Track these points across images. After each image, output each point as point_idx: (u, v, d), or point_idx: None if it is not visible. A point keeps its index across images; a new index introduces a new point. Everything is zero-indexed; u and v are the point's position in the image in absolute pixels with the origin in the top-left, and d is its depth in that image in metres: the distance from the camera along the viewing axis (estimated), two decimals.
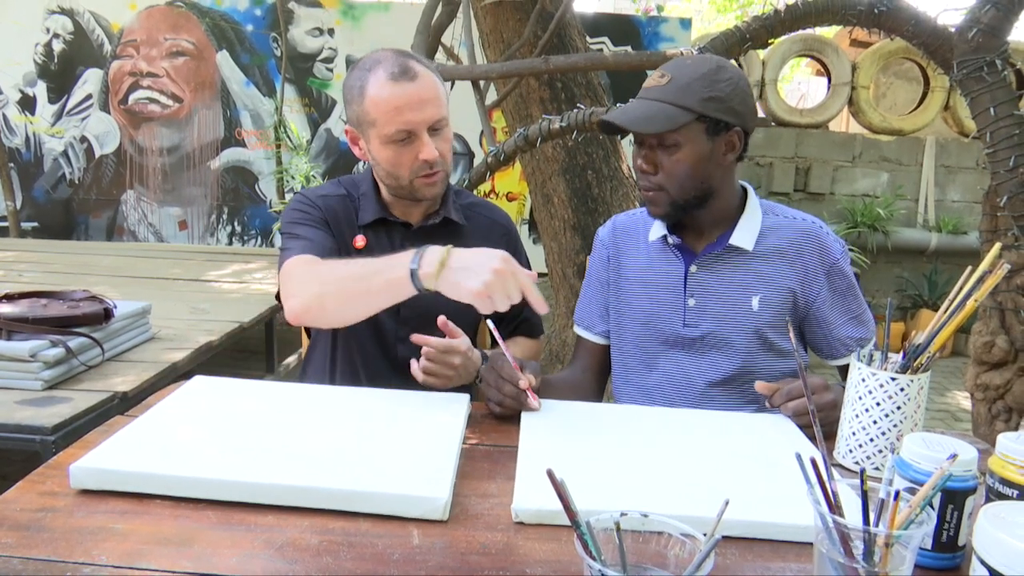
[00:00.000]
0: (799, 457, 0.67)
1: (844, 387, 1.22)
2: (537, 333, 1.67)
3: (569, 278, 3.72)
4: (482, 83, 3.03)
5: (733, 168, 1.37)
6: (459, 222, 1.50)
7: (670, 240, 1.41)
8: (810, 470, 0.65)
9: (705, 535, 0.59)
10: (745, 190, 1.43)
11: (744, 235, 1.38)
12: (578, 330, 1.58)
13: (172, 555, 0.75)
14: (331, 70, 5.48)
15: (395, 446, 0.98)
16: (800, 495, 0.90)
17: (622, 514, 0.60)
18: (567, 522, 0.84)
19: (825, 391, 1.18)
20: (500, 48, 3.45)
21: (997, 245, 1.02)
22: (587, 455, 1.03)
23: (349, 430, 1.03)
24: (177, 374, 2.43)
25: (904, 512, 0.64)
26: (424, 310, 1.43)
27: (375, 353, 1.47)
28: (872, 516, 0.64)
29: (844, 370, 1.45)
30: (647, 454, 1.04)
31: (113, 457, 0.90)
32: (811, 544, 0.83)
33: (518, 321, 1.63)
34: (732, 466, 1.01)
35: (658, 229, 1.44)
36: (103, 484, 0.86)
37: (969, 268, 1.03)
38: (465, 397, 1.19)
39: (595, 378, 1.56)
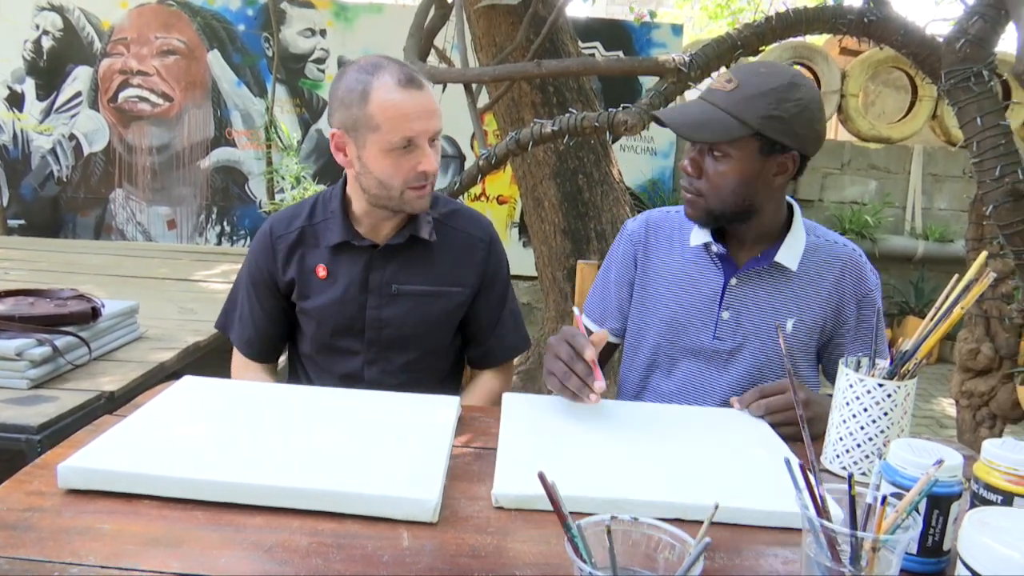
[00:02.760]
0: (787, 462, 0.68)
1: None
2: (506, 359, 1.59)
3: (559, 282, 3.72)
4: (474, 86, 3.03)
5: (783, 189, 1.32)
6: (427, 239, 1.43)
7: (714, 248, 1.36)
8: (798, 474, 0.66)
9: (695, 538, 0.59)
10: (791, 207, 1.39)
11: (790, 254, 1.34)
12: (585, 320, 1.52)
13: (160, 556, 0.75)
14: (323, 71, 5.46)
15: (385, 448, 0.98)
16: (776, 484, 0.94)
17: (612, 517, 0.60)
18: (546, 507, 0.86)
19: (799, 389, 1.19)
20: (492, 52, 3.45)
21: (983, 254, 1.03)
22: (566, 444, 1.05)
23: (339, 431, 1.03)
24: (165, 374, 2.41)
25: (891, 517, 0.64)
26: (388, 332, 1.44)
27: (348, 379, 1.46)
28: (860, 520, 0.65)
29: None
30: (624, 443, 1.07)
31: (101, 457, 0.89)
32: (789, 530, 0.85)
33: (484, 350, 1.56)
34: (707, 456, 1.05)
35: (700, 235, 1.38)
36: (91, 484, 0.86)
37: (956, 276, 1.04)
38: (454, 399, 1.19)
39: None
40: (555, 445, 1.05)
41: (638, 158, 5.64)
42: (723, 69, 1.28)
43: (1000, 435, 3.05)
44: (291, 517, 0.84)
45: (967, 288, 0.99)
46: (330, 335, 1.45)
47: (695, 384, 1.40)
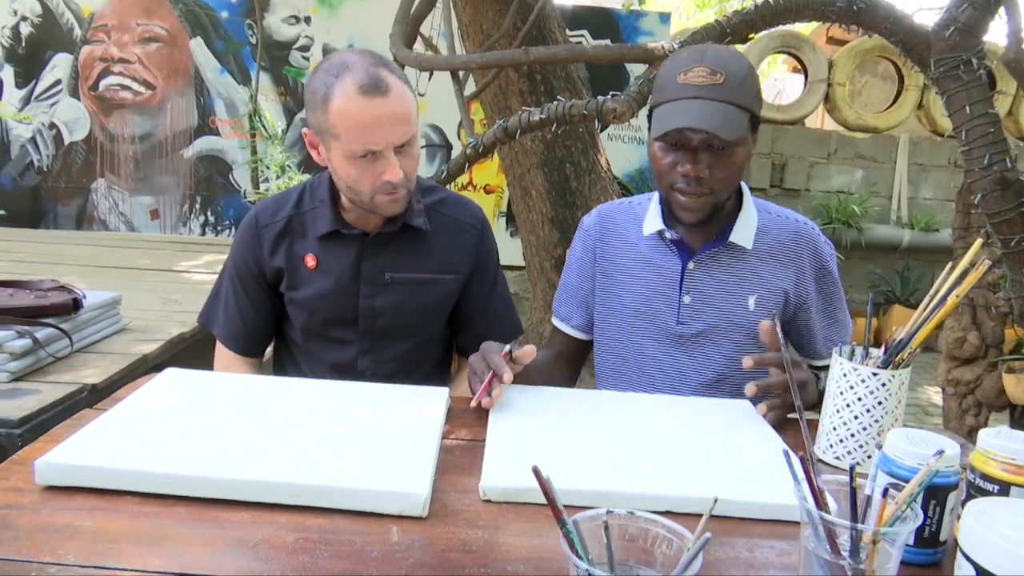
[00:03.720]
0: (786, 454, 0.67)
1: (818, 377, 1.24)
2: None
3: (547, 271, 3.71)
4: (461, 74, 3.00)
5: None
6: (421, 227, 1.41)
7: (668, 235, 1.37)
8: (798, 467, 0.64)
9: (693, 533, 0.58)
10: (740, 187, 1.39)
11: (743, 233, 1.35)
12: (555, 322, 1.55)
13: (142, 554, 0.73)
14: (307, 59, 5.40)
15: (373, 441, 0.96)
16: (767, 476, 0.93)
17: (608, 511, 0.59)
18: (534, 500, 0.85)
19: (798, 368, 1.19)
20: (479, 39, 3.42)
21: (978, 241, 1.02)
22: (555, 436, 1.04)
23: (326, 424, 1.01)
24: (148, 366, 2.38)
25: (890, 508, 0.63)
26: (382, 321, 1.42)
27: (340, 368, 1.44)
28: (860, 512, 0.64)
29: (823, 371, 1.46)
30: (614, 434, 1.06)
31: (81, 452, 0.87)
32: (783, 522, 0.85)
33: (475, 337, 1.50)
34: (698, 447, 1.03)
35: (653, 222, 1.38)
36: (70, 480, 0.83)
37: (950, 264, 1.04)
38: (444, 391, 1.17)
39: (568, 365, 1.54)
40: (544, 437, 1.04)
41: (625, 147, 5.63)
42: (695, 65, 1.24)
43: (986, 423, 3.07)
44: (277, 513, 0.82)
45: (962, 276, 0.98)
46: (322, 325, 1.43)
47: (666, 370, 1.41)
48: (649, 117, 1.31)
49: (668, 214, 1.38)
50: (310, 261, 1.41)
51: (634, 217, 1.45)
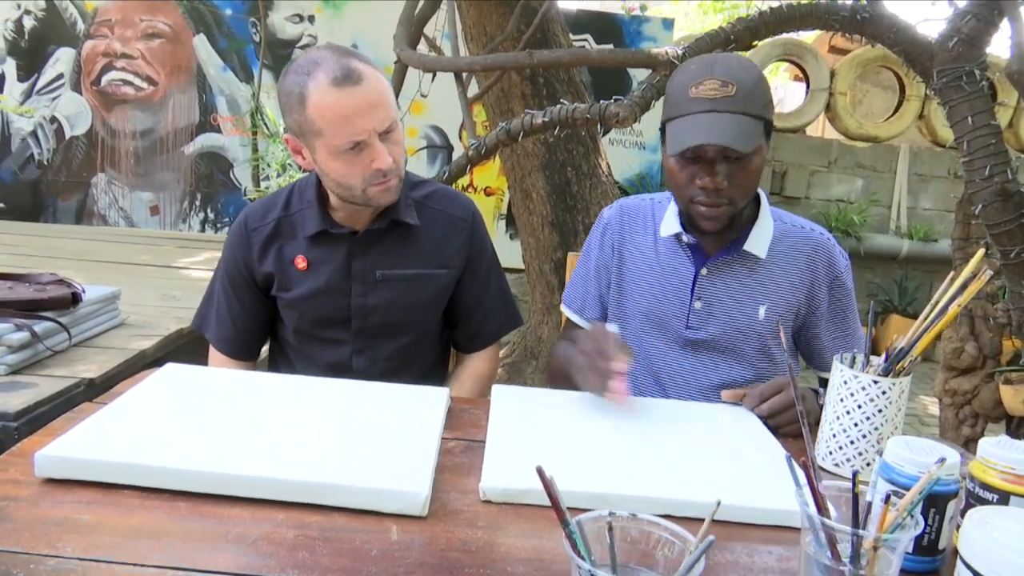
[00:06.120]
0: (789, 460, 0.67)
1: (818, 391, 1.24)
2: (494, 340, 1.58)
3: (546, 274, 3.71)
4: (464, 76, 3.00)
5: None
6: (411, 223, 1.40)
7: (685, 239, 1.37)
8: (800, 473, 0.64)
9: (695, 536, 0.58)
10: (758, 195, 1.39)
11: (759, 242, 1.35)
12: (567, 312, 1.51)
13: (141, 548, 0.73)
14: None
15: (374, 439, 0.96)
16: (767, 481, 0.94)
17: (611, 513, 0.59)
18: (534, 501, 0.86)
19: (788, 388, 1.19)
20: (483, 41, 3.42)
21: (981, 251, 1.02)
22: (555, 437, 1.04)
23: (327, 422, 1.01)
24: (146, 361, 2.37)
25: (891, 515, 0.63)
26: (375, 319, 1.42)
27: (334, 368, 1.43)
28: (860, 518, 0.64)
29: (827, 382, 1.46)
30: (614, 438, 1.06)
31: (80, 445, 0.87)
32: (783, 528, 0.85)
33: (471, 331, 1.55)
34: (698, 452, 1.03)
35: (671, 224, 1.38)
36: (69, 473, 0.83)
37: (951, 274, 1.04)
38: (444, 391, 1.17)
39: None
40: (544, 439, 1.04)
41: (627, 152, 5.63)
42: (706, 79, 1.24)
43: (982, 433, 3.07)
44: (276, 509, 0.82)
45: (964, 286, 0.98)
46: (315, 325, 1.43)
47: (672, 374, 1.41)
48: (662, 131, 1.30)
49: (687, 221, 1.37)
50: (300, 262, 1.40)
51: (653, 216, 1.45)
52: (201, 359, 1.53)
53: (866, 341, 1.09)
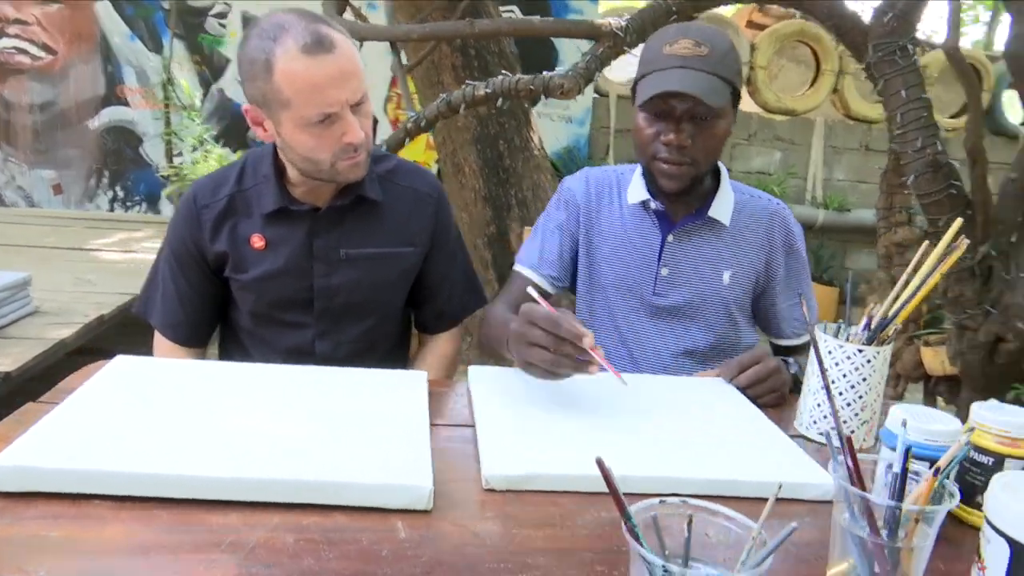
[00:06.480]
0: (827, 435, 0.66)
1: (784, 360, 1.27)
2: (459, 319, 1.52)
3: (480, 249, 3.67)
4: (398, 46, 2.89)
5: None
6: (375, 199, 1.34)
7: (652, 205, 1.38)
8: (837, 445, 0.63)
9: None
10: (718, 168, 1.41)
11: (722, 208, 1.37)
12: (522, 268, 1.44)
13: (125, 566, 0.65)
14: (224, 26, 5.10)
15: (362, 430, 0.90)
16: (758, 454, 0.95)
17: (661, 501, 0.56)
18: (537, 487, 0.82)
19: (768, 358, 1.22)
20: (411, 11, 3.31)
21: (959, 220, 1.04)
22: (546, 418, 1.01)
23: (307, 412, 0.94)
24: (66, 351, 2.22)
25: (924, 487, 0.63)
26: (339, 300, 1.35)
27: (294, 352, 1.35)
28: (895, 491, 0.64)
29: (784, 350, 1.49)
30: (605, 415, 1.04)
31: (35, 452, 0.77)
32: (792, 501, 0.85)
33: (436, 311, 1.49)
34: (690, 426, 1.03)
35: (638, 192, 1.39)
36: (28, 484, 0.74)
37: (927, 243, 1.06)
38: (423, 374, 1.11)
39: None
40: (537, 421, 1.00)
41: (554, 124, 5.60)
42: (681, 38, 1.25)
43: (903, 394, 3.25)
44: (268, 512, 0.75)
45: (945, 254, 1.00)
46: (274, 308, 1.34)
47: (640, 341, 1.42)
48: (633, 91, 1.30)
49: (651, 185, 1.38)
50: (257, 241, 1.31)
51: (619, 186, 1.45)
52: (131, 347, 1.42)
53: (847, 312, 1.10)
